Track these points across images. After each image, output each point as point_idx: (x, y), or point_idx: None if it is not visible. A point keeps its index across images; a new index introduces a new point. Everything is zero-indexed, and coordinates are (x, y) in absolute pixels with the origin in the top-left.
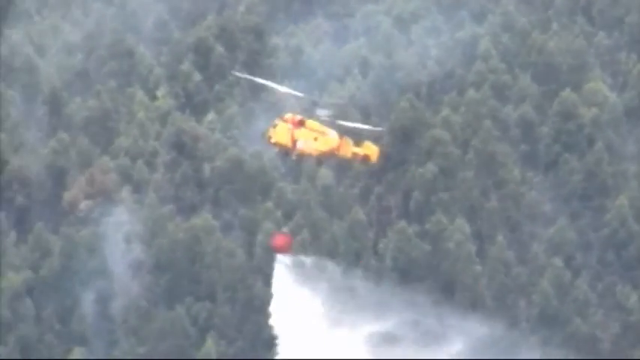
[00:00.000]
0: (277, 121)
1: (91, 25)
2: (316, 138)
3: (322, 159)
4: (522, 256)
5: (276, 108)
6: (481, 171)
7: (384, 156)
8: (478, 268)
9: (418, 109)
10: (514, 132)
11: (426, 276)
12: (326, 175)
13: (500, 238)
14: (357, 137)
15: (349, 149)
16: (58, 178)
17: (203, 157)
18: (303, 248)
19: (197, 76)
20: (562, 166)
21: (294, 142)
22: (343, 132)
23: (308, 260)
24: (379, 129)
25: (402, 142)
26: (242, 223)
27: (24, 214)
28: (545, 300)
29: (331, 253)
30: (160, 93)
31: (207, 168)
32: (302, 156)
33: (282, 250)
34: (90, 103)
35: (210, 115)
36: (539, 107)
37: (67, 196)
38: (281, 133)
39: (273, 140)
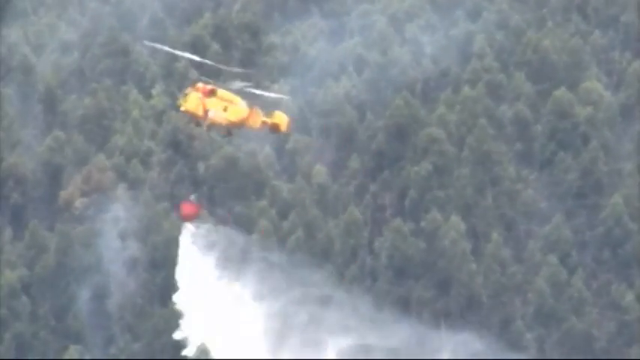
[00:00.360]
0: (189, 90)
1: (86, 23)
2: (226, 108)
3: (232, 129)
4: (518, 254)
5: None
6: (476, 169)
7: (292, 126)
8: (473, 266)
9: (413, 106)
10: (509, 130)
11: (422, 274)
12: (321, 173)
13: (495, 235)
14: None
15: (259, 119)
16: (54, 175)
17: (198, 155)
18: (298, 247)
19: (193, 74)
20: (557, 165)
21: (205, 111)
22: (251, 99)
23: (213, 228)
24: (282, 96)
25: (397, 140)
26: (237, 220)
27: (20, 212)
28: (540, 298)
29: (326, 252)
30: (155, 91)
31: (202, 166)
32: (212, 125)
33: (189, 218)
34: (86, 102)
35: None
36: (534, 106)
37: (63, 193)
38: (192, 102)
39: (183, 109)
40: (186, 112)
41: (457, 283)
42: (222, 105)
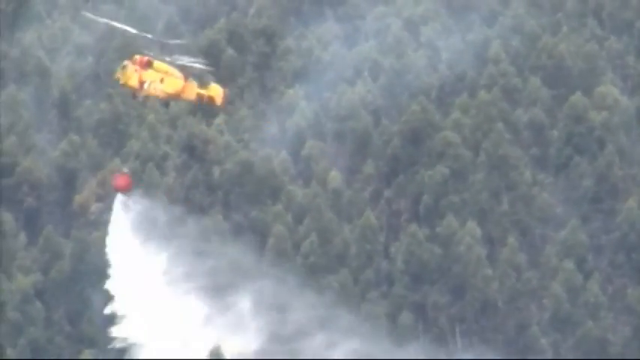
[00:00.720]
0: (126, 63)
1: (101, 27)
2: (162, 79)
3: (168, 100)
4: (533, 259)
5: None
6: (492, 174)
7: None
8: (489, 271)
9: (429, 111)
10: (525, 135)
11: (437, 279)
12: (336, 178)
13: (511, 240)
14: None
15: (194, 91)
16: (69, 180)
17: (213, 160)
18: (313, 251)
19: (209, 79)
20: (573, 169)
21: (142, 83)
22: (181, 70)
23: (144, 201)
24: (208, 67)
25: (413, 145)
26: (252, 225)
27: (34, 216)
28: (556, 303)
29: (342, 257)
30: None
31: (217, 171)
32: (149, 97)
33: (123, 189)
34: (101, 106)
35: (220, 118)
36: (550, 110)
37: (78, 198)
38: (129, 74)
39: (121, 82)
40: (124, 85)
41: (473, 288)
42: (158, 77)
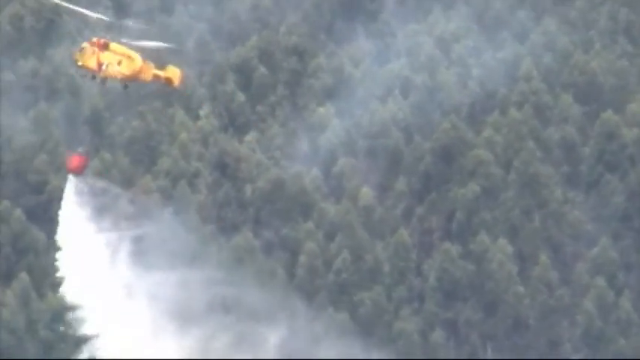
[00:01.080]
0: (84, 44)
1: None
2: (120, 61)
3: (126, 82)
4: (565, 276)
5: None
6: (523, 191)
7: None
8: (521, 288)
9: (460, 129)
10: (556, 152)
11: (470, 296)
12: (367, 195)
13: (542, 258)
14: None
15: (151, 72)
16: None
17: (245, 177)
18: (345, 268)
19: (240, 97)
20: (604, 187)
21: (100, 65)
22: (140, 52)
23: (98, 183)
24: (168, 45)
25: (444, 163)
26: (283, 243)
27: None
28: (588, 320)
29: (374, 274)
30: (202, 113)
31: (248, 189)
32: (106, 79)
33: (76, 170)
34: (133, 124)
35: (251, 135)
36: (581, 128)
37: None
38: (87, 56)
39: (79, 63)
40: (82, 67)
41: (504, 305)
42: (116, 59)
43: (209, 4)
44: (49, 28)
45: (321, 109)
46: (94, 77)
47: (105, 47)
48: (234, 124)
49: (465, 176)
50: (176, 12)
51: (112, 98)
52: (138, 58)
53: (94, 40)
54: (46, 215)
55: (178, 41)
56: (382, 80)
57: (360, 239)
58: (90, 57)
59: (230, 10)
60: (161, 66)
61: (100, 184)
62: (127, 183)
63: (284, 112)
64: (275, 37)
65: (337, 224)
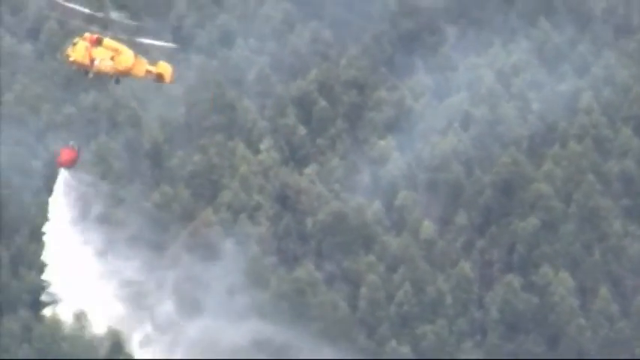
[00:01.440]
0: (76, 40)
1: (193, 78)
2: (113, 57)
3: (119, 77)
4: (625, 309)
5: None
6: (583, 225)
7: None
8: (582, 321)
9: (520, 162)
10: (616, 185)
11: (532, 329)
12: (428, 228)
13: (603, 291)
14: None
15: (143, 68)
16: (161, 230)
17: (306, 210)
18: (407, 300)
19: (301, 130)
20: None
21: (92, 60)
22: (138, 49)
23: (87, 177)
24: (172, 45)
25: (505, 196)
26: (345, 275)
27: None
28: None
29: (435, 306)
30: (263, 146)
31: (309, 221)
32: (99, 74)
33: (67, 164)
34: (195, 157)
35: (312, 168)
36: None
37: (170, 249)
38: (79, 51)
39: (71, 59)
40: (74, 62)
41: (566, 338)
42: (108, 54)
43: (270, 38)
44: None
45: (382, 142)
46: (86, 73)
47: (98, 43)
48: (295, 157)
49: (526, 209)
50: (236, 45)
51: (172, 131)
52: (130, 54)
53: (87, 35)
54: None
55: (239, 74)
56: (442, 113)
57: (421, 272)
58: (82, 53)
59: (290, 44)
60: (153, 62)
61: (88, 177)
62: (188, 216)
63: (344, 145)
64: (335, 70)
65: (399, 257)
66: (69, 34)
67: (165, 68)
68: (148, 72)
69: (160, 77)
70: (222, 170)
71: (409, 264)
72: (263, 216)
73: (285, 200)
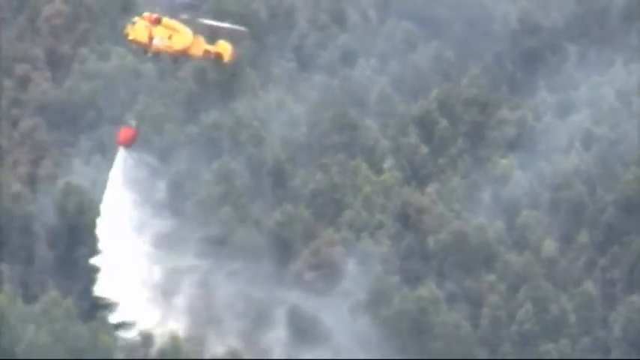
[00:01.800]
0: (136, 19)
1: (315, 98)
2: (171, 36)
3: (177, 57)
4: None
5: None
6: None
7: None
8: None
9: None
10: None
11: None
12: (550, 247)
13: None
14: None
15: (201, 47)
16: (283, 249)
17: (427, 229)
18: (528, 319)
19: (423, 149)
20: None
21: (151, 39)
22: (206, 31)
23: (147, 158)
24: (241, 28)
25: (627, 214)
26: (466, 294)
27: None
28: None
29: (559, 325)
30: (385, 165)
31: (431, 240)
32: (158, 53)
33: (126, 142)
34: (317, 176)
35: (433, 187)
36: None
37: (292, 267)
38: (139, 30)
39: (131, 37)
40: (133, 41)
41: None
42: (167, 33)
43: (391, 57)
44: (231, 81)
45: (504, 161)
46: (145, 52)
47: (157, 22)
48: (417, 176)
49: None
50: (358, 65)
51: (294, 150)
52: (189, 33)
53: (146, 14)
54: (231, 267)
55: (360, 94)
56: (564, 132)
57: (543, 291)
58: (141, 31)
59: (411, 63)
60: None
61: (147, 158)
62: (310, 235)
63: (465, 164)
64: (456, 89)
65: (520, 276)
66: None
67: (224, 47)
68: (207, 52)
69: (218, 56)
70: (344, 189)
71: (531, 283)
72: (385, 235)
73: (406, 219)
